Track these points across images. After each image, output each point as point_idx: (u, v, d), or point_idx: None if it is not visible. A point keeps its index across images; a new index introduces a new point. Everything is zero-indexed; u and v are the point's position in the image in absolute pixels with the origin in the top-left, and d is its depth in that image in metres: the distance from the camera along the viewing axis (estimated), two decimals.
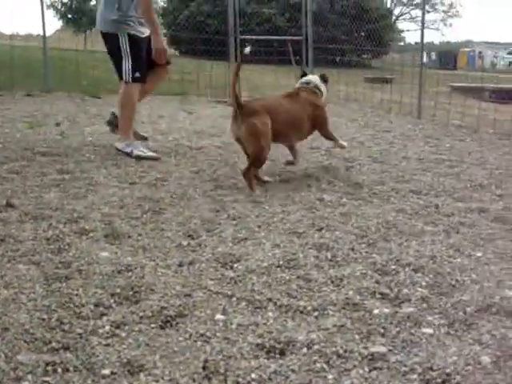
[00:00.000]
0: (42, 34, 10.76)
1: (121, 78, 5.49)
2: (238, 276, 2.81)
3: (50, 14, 30.49)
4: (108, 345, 2.17)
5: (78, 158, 5.24)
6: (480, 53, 46.12)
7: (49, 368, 1.98)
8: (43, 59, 10.83)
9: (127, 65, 5.42)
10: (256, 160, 4.50)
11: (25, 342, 2.17)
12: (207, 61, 12.57)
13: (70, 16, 30.41)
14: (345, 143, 5.30)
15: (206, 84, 11.64)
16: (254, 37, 13.92)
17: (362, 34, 20.84)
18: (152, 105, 9.67)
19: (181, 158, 5.45)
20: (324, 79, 5.30)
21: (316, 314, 2.46)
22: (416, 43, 11.18)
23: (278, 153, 5.80)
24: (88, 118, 7.84)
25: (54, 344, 2.15)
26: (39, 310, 2.40)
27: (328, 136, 5.22)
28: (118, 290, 2.59)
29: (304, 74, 5.46)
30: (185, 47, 24.71)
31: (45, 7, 11.06)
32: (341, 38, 17.61)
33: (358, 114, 9.66)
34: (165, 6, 35.14)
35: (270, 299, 2.57)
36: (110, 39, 5.53)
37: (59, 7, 30.47)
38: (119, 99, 5.61)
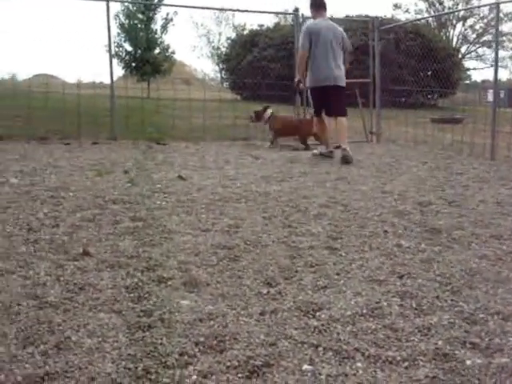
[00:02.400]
0: (104, 82, 11.16)
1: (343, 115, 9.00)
2: (322, 325, 2.80)
3: (114, 62, 31.49)
4: None
5: (149, 205, 5.34)
6: None
7: None
8: (110, 108, 11.18)
9: None
10: None
11: None
12: (270, 105, 12.70)
13: (134, 64, 31.29)
14: None
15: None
16: None
17: (429, 73, 20.80)
18: (217, 150, 9.84)
19: (252, 204, 5.50)
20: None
21: (406, 364, 2.44)
22: (483, 81, 11.09)
23: (350, 198, 5.81)
24: (155, 164, 8.01)
25: None
26: (125, 360, 2.44)
27: None
28: (202, 339, 2.62)
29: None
30: (247, 92, 25.06)
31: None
32: (407, 78, 17.55)
33: (428, 157, 9.59)
34: (227, 51, 35.84)
35: (357, 349, 2.56)
36: (342, 90, 8.89)
37: (123, 56, 31.40)
38: (343, 126, 8.93)
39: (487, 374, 2.34)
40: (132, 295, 3.15)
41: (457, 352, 2.53)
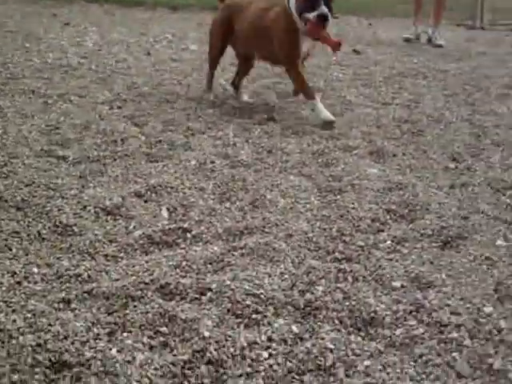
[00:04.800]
0: None
1: None
2: None
3: None
4: (391, 259, 2.18)
5: (326, 77, 5.31)
6: None
7: (340, 275, 2.04)
8: None
9: None
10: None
11: (308, 249, 2.25)
12: None
13: None
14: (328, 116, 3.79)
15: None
16: None
17: None
18: (391, 27, 9.49)
19: (431, 80, 5.30)
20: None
21: None
22: None
23: None
24: None
25: (337, 254, 2.21)
26: (319, 220, 2.47)
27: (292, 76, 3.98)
28: (393, 207, 2.60)
29: None
30: None
31: None
32: None
33: None
34: None
35: None
36: None
37: None
38: None
39: None
40: (320, 160, 3.16)
41: None
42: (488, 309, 1.85)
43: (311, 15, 3.63)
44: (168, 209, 2.56)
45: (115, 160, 3.08)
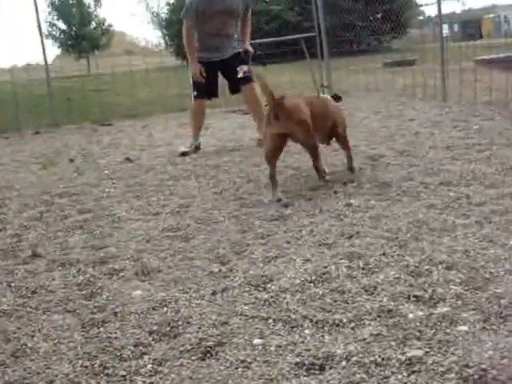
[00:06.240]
0: (41, 63, 11.09)
1: None
2: (272, 297, 3.00)
3: (49, 43, 31.91)
4: (152, 383, 2.38)
5: (97, 194, 5.49)
6: (505, 17, 45.14)
7: None
8: (47, 92, 11.15)
9: None
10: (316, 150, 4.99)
11: None
12: None
13: (70, 42, 31.12)
14: None
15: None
16: (264, 40, 13.98)
17: (379, 15, 20.94)
18: (166, 125, 9.94)
19: (202, 180, 5.67)
20: (336, 98, 5.63)
21: (352, 325, 2.64)
22: (436, 16, 10.90)
23: (301, 161, 5.98)
24: (101, 149, 8.11)
25: None
26: (81, 358, 2.62)
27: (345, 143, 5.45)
28: (155, 327, 2.80)
29: None
30: None
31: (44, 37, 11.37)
32: (356, 24, 17.65)
33: (381, 105, 9.79)
34: (167, 17, 35.52)
35: (305, 316, 2.76)
36: None
37: (57, 35, 31.18)
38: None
39: (428, 325, 2.55)
40: (84, 292, 3.32)
41: (400, 307, 2.74)
42: None
43: None
44: None
45: None
